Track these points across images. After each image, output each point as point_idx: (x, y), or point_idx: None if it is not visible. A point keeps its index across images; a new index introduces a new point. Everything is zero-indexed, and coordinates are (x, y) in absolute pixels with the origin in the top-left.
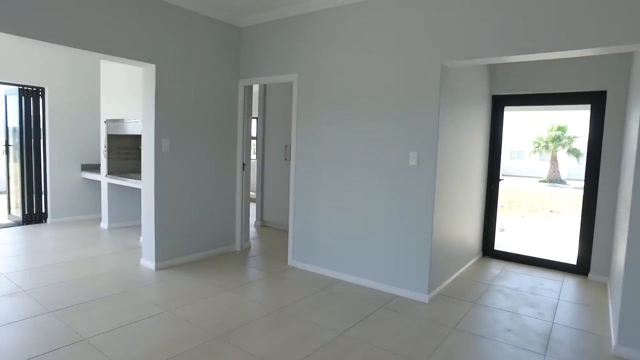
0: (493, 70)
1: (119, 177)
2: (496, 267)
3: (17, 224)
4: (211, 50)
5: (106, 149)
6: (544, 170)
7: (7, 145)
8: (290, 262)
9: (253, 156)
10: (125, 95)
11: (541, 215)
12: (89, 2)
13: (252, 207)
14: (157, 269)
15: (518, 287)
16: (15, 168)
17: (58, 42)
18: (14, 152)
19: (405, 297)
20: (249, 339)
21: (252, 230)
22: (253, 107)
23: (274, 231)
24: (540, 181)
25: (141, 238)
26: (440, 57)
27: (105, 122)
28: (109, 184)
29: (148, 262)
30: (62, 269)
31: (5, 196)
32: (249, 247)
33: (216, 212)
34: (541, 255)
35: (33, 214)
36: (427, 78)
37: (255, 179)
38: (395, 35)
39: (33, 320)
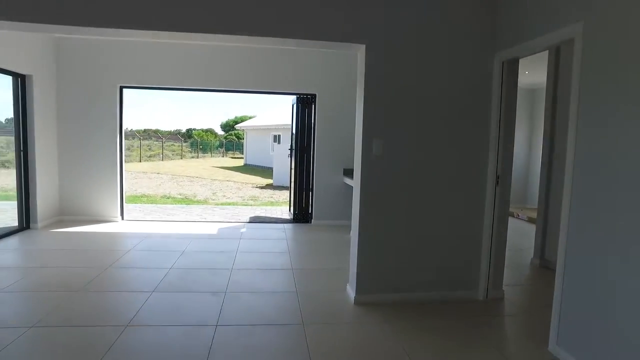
0: None
1: None
2: None
3: (290, 220)
4: (447, 17)
5: None
6: None
7: (291, 149)
8: (552, 347)
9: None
10: None
11: None
12: None
13: (531, 235)
14: (355, 302)
15: None
16: (293, 170)
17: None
18: (295, 155)
19: None
20: None
21: (525, 271)
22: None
23: None
24: None
25: None
26: None
27: None
28: None
29: (350, 290)
30: (277, 276)
31: (290, 194)
32: (500, 299)
33: (448, 242)
34: None
35: (302, 214)
36: None
37: (537, 197)
38: None
39: (191, 330)
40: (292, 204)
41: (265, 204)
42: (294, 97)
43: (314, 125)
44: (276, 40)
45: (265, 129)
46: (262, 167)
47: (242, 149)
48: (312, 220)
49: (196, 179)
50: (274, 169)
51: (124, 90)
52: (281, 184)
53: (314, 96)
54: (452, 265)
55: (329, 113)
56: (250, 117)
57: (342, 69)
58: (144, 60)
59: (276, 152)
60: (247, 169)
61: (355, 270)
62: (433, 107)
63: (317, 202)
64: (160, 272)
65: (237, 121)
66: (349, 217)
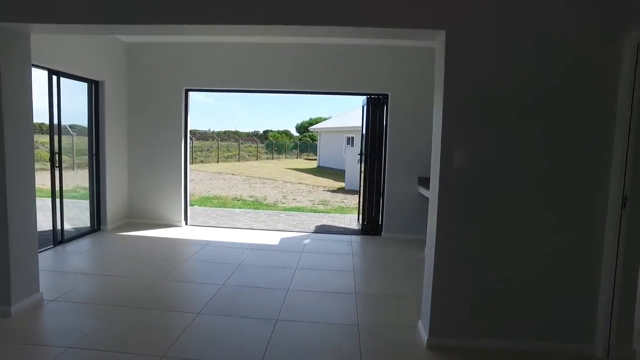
0: None
1: None
2: None
3: (358, 232)
4: None
5: None
6: None
7: (361, 153)
8: None
9: None
10: None
11: None
12: None
13: None
14: (427, 346)
15: None
16: (363, 176)
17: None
18: (365, 160)
19: None
20: None
21: None
22: None
23: None
24: None
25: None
26: None
27: None
28: None
29: (423, 330)
30: (338, 301)
31: (359, 203)
32: None
33: (553, 278)
34: None
35: (371, 225)
36: None
37: None
38: None
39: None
40: (361, 214)
41: (335, 210)
42: (364, 97)
43: (386, 128)
44: (335, 30)
45: (338, 130)
46: (334, 169)
47: (316, 151)
48: (382, 233)
49: (268, 181)
50: (346, 172)
51: (204, 93)
52: (353, 188)
53: (385, 96)
54: (557, 308)
55: (403, 115)
56: (324, 119)
57: (418, 66)
58: (209, 63)
59: (348, 155)
60: (320, 171)
61: (429, 305)
62: (534, 108)
63: (388, 213)
64: (211, 289)
65: (312, 123)
66: (424, 231)
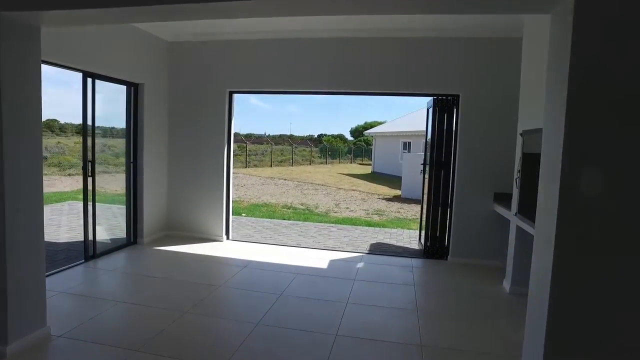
0: None
1: (532, 222)
2: None
3: (420, 254)
4: None
5: (519, 173)
6: None
7: (424, 163)
8: None
9: None
10: None
11: None
12: None
13: None
14: None
15: None
16: (426, 189)
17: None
18: (429, 171)
19: None
20: None
21: None
22: None
23: None
24: None
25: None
26: None
27: (520, 134)
28: (518, 228)
29: None
30: (402, 356)
31: (421, 219)
32: None
33: None
34: None
35: (436, 247)
36: None
37: None
38: None
39: None
40: (423, 233)
41: (392, 223)
42: (429, 99)
43: (455, 134)
44: (432, 3)
45: (395, 135)
46: (390, 175)
47: (371, 156)
48: (449, 257)
49: (321, 187)
50: (402, 179)
51: (258, 96)
52: (410, 197)
53: (455, 97)
54: None
55: (477, 119)
56: (380, 123)
57: (496, 61)
58: (254, 63)
59: (405, 161)
60: (375, 177)
61: None
62: None
63: (457, 234)
64: (243, 329)
65: (366, 127)
66: (499, 256)
